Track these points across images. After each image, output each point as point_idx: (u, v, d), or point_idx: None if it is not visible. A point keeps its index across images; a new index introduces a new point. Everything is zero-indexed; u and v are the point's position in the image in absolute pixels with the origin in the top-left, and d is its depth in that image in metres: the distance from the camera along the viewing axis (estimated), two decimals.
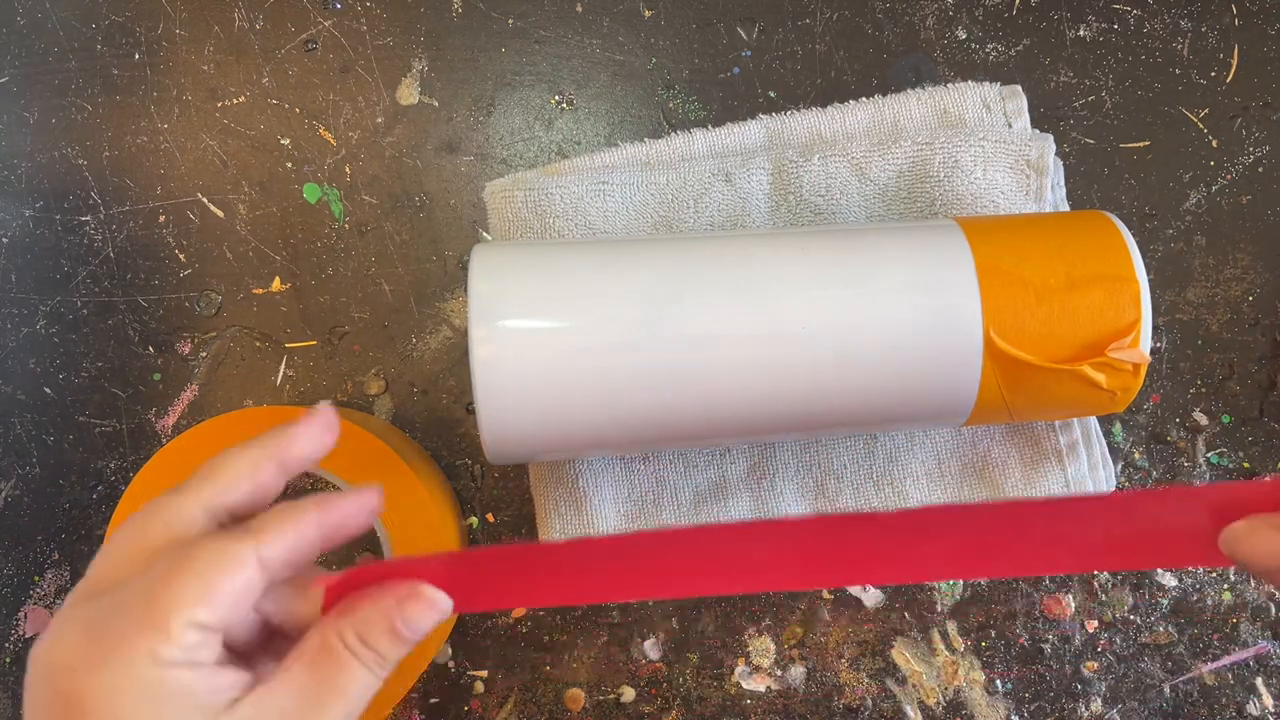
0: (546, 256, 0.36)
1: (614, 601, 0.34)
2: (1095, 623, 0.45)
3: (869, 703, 0.46)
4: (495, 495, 0.46)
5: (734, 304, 0.35)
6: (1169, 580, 0.45)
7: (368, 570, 0.30)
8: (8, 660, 0.47)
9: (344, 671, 0.28)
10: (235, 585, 0.27)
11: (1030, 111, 0.44)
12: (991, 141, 0.42)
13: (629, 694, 0.46)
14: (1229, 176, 0.45)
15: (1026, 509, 0.32)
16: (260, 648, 0.30)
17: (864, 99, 0.45)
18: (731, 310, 0.35)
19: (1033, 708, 0.45)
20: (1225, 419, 0.46)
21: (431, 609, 0.29)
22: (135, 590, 0.26)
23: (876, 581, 0.34)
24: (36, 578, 0.47)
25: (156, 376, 0.47)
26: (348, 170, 0.47)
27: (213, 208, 0.47)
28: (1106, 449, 0.43)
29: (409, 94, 0.47)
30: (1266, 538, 0.28)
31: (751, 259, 0.36)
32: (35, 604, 0.47)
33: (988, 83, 0.44)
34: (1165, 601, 0.45)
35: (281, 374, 0.46)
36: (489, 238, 0.45)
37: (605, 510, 0.44)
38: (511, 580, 0.31)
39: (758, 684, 0.46)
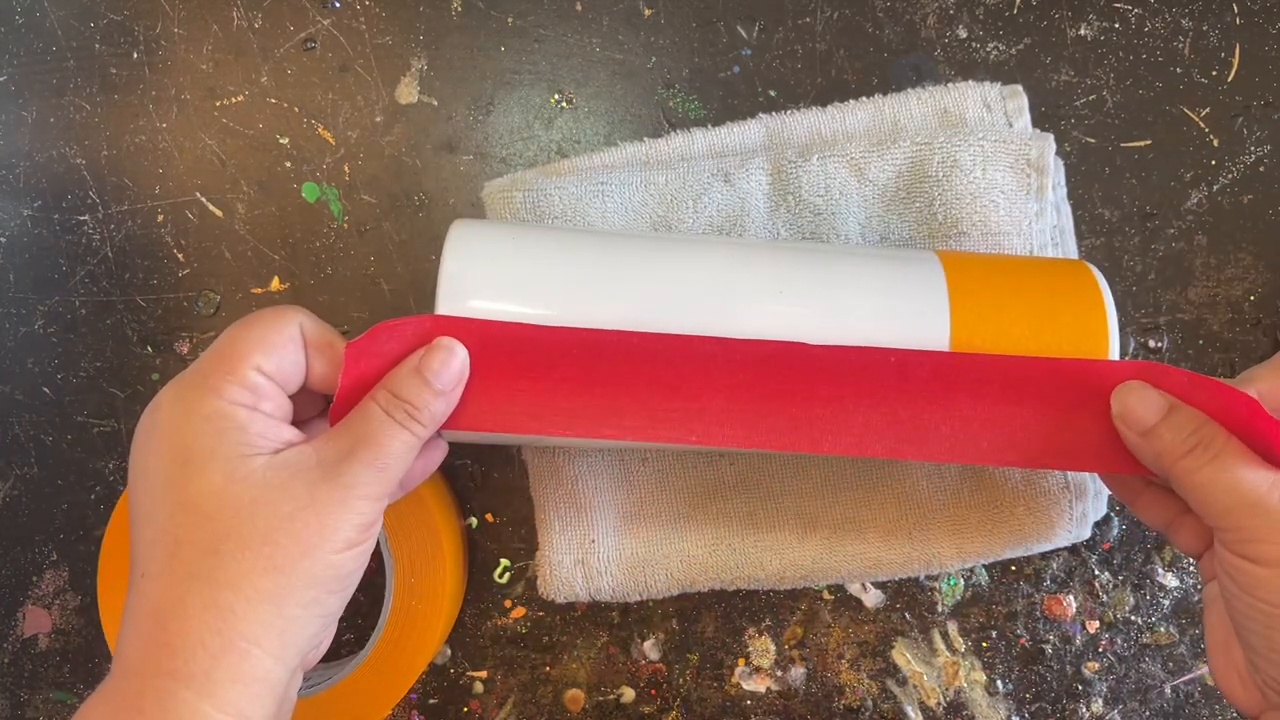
0: (522, 242, 0.36)
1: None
2: (1096, 623, 0.45)
3: (869, 703, 0.45)
4: (495, 495, 0.46)
5: (702, 311, 0.35)
6: (1170, 580, 0.45)
7: (384, 327, 0.33)
8: (5, 661, 0.47)
9: (373, 421, 0.31)
10: (283, 336, 0.32)
11: (1031, 110, 0.44)
12: (991, 141, 0.42)
13: (629, 694, 0.46)
14: (1230, 176, 0.45)
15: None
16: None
17: (864, 98, 0.44)
18: (700, 316, 0.35)
19: (1034, 708, 0.45)
20: None
21: (451, 355, 0.33)
22: (211, 351, 0.32)
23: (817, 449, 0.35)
24: (35, 578, 0.47)
25: (155, 376, 0.47)
26: (347, 169, 0.46)
27: (211, 207, 0.47)
28: None
29: (408, 93, 0.47)
30: (1146, 394, 0.33)
31: (731, 272, 0.36)
32: (34, 604, 0.47)
33: (988, 82, 0.44)
34: (1166, 602, 0.45)
35: None
36: None
37: (605, 511, 0.44)
38: (522, 361, 0.33)
39: (758, 684, 0.46)
